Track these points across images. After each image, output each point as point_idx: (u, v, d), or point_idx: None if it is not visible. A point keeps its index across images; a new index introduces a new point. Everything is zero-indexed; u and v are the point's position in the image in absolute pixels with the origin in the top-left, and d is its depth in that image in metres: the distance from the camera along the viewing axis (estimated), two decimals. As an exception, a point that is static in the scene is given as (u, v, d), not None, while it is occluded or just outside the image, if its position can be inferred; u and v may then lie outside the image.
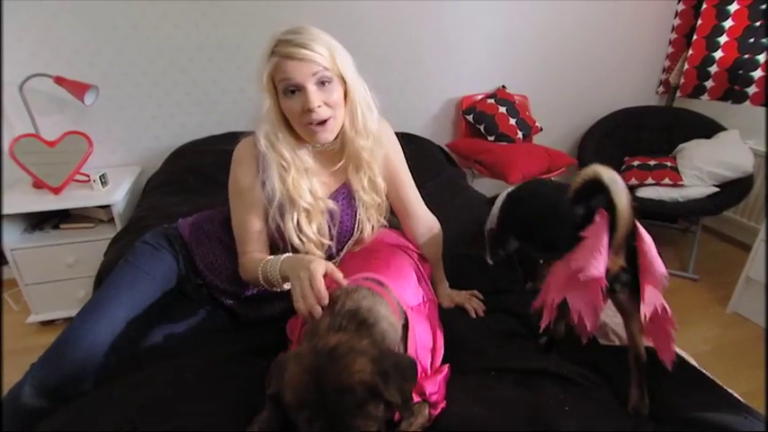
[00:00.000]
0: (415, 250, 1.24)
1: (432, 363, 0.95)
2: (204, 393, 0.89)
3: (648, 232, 0.89)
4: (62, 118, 2.12)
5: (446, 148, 2.59)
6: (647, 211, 2.42)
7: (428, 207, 1.73)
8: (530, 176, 2.28)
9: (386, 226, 1.29)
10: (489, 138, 2.53)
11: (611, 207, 0.83)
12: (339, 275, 0.89)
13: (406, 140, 2.33)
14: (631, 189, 2.46)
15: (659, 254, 0.87)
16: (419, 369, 0.91)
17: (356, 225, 1.18)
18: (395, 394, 0.71)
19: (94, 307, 1.04)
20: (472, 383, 0.92)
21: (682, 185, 2.35)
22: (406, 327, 0.92)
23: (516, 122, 2.53)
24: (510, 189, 1.32)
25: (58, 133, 2.00)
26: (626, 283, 0.88)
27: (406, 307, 0.95)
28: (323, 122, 1.00)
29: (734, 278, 2.09)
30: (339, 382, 0.69)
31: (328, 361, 0.71)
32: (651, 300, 0.83)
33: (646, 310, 0.83)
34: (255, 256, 1.04)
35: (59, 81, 1.94)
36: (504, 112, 2.53)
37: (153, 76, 2.18)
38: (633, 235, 0.86)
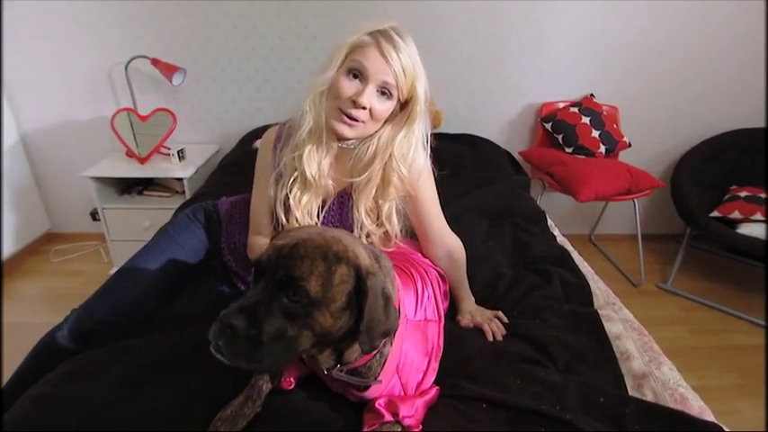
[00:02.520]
0: (433, 266, 1.17)
1: (419, 383, 0.89)
2: (193, 367, 0.92)
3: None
4: (156, 96, 2.35)
5: (518, 156, 2.44)
6: (748, 252, 2.07)
7: (472, 214, 1.68)
8: (604, 196, 2.07)
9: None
10: (567, 149, 2.34)
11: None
12: None
13: (469, 143, 2.29)
14: (732, 223, 2.12)
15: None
16: (397, 387, 0.86)
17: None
18: (373, 301, 0.68)
19: (126, 269, 1.13)
20: (457, 413, 0.84)
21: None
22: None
23: (600, 135, 2.30)
24: None
25: (151, 109, 2.23)
26: None
27: (403, 314, 0.90)
28: (355, 119, 0.98)
29: None
30: (324, 246, 0.69)
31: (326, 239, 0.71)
32: None
33: None
34: (261, 241, 1.06)
35: (155, 62, 2.14)
36: (588, 122, 2.31)
37: (237, 62, 2.33)
38: None
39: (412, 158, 1.04)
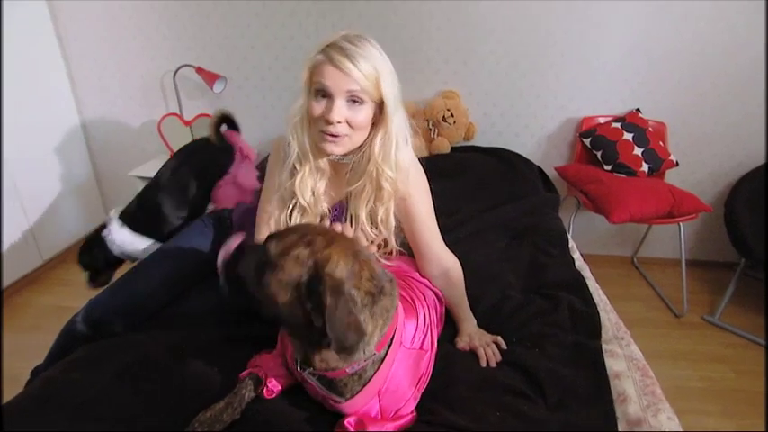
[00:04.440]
0: (431, 287, 1.15)
1: (398, 409, 0.88)
2: (185, 365, 0.97)
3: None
4: (201, 102, 2.49)
5: (553, 172, 2.35)
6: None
7: (493, 230, 1.63)
8: (640, 218, 1.94)
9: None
10: (605, 167, 2.21)
11: None
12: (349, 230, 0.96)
13: (500, 157, 2.23)
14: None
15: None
16: (374, 409, 0.86)
17: None
18: (332, 303, 0.71)
19: (141, 265, 1.22)
20: (426, 438, 0.83)
21: None
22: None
23: (643, 153, 2.16)
24: None
25: (195, 114, 2.37)
26: None
27: (397, 341, 0.89)
28: (336, 135, 0.98)
29: None
30: (311, 231, 0.77)
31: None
32: None
33: None
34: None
35: (199, 71, 2.28)
36: (630, 139, 2.18)
37: (276, 71, 2.42)
38: None
39: (396, 157, 1.03)
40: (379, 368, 0.84)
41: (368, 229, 1.08)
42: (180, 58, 2.38)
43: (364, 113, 0.97)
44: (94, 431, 0.83)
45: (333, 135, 0.98)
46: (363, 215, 1.07)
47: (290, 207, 1.08)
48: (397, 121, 1.01)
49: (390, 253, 1.16)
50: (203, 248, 1.29)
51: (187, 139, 2.35)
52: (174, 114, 2.36)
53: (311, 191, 1.06)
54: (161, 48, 2.40)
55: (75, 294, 2.18)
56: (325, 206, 1.10)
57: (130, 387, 0.93)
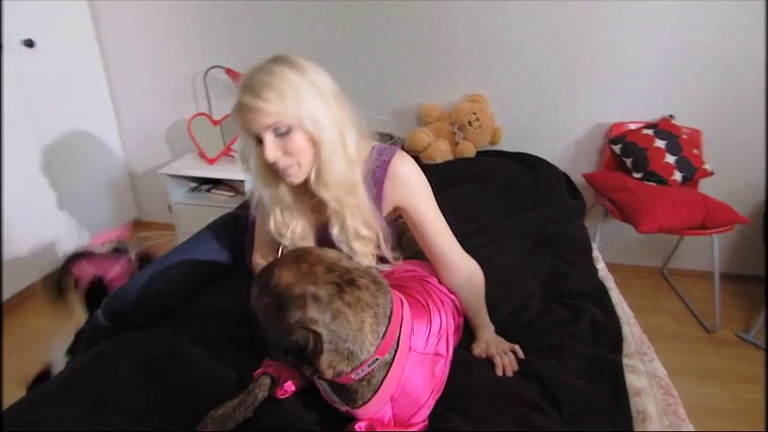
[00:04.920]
0: (449, 296, 1.13)
1: (411, 415, 0.87)
2: (199, 362, 0.99)
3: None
4: (230, 102, 2.51)
5: (580, 179, 2.29)
6: None
7: (515, 237, 1.61)
8: (670, 229, 1.87)
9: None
10: (635, 174, 2.15)
11: None
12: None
13: (525, 162, 2.19)
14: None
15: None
16: (387, 416, 0.85)
17: None
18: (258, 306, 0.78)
19: (160, 262, 1.25)
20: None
21: None
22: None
23: (676, 161, 2.09)
24: None
25: (223, 114, 2.42)
26: None
27: (404, 344, 0.88)
28: (284, 169, 0.96)
29: None
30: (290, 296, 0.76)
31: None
32: None
33: None
34: (259, 261, 1.14)
35: (228, 72, 2.33)
36: (663, 146, 2.10)
37: (303, 73, 2.45)
38: None
39: (332, 173, 0.98)
40: (387, 373, 0.83)
41: (356, 244, 1.07)
42: (210, 59, 2.44)
43: (296, 139, 0.92)
44: (112, 421, 0.86)
45: (282, 170, 0.96)
46: (346, 231, 1.05)
47: (280, 250, 1.12)
48: (328, 138, 0.94)
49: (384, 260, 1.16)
50: (220, 246, 1.33)
51: (216, 138, 2.41)
52: (204, 114, 2.42)
53: (290, 233, 1.07)
54: (193, 49, 2.47)
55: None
56: (310, 241, 1.11)
57: (148, 381, 0.95)
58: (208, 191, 2.51)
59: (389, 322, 0.81)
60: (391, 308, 0.83)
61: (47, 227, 2.28)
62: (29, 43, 2.09)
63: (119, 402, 0.90)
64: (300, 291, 0.75)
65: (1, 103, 1.95)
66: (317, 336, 0.74)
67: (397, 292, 0.89)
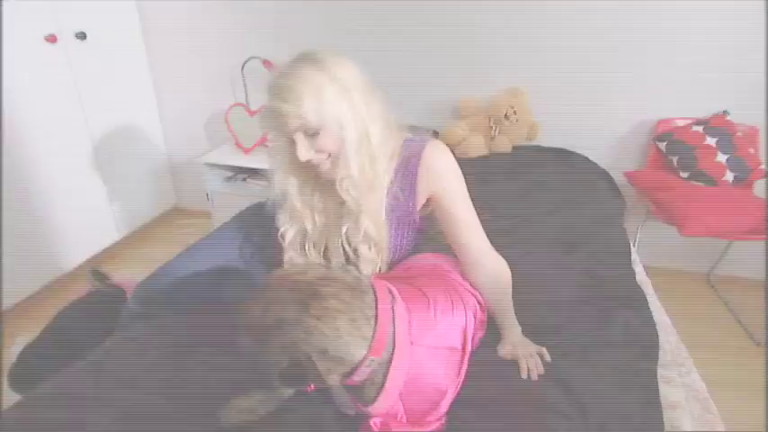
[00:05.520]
0: (472, 292, 1.10)
1: (427, 412, 0.86)
2: (221, 353, 1.01)
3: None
4: (267, 94, 2.58)
5: (622, 177, 2.19)
6: None
7: (550, 236, 1.55)
8: (718, 233, 1.77)
9: None
10: (682, 174, 2.03)
11: None
12: None
13: (564, 158, 2.11)
14: None
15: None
16: (400, 412, 0.85)
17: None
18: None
19: (184, 252, 1.29)
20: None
21: None
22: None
23: (728, 160, 1.96)
24: None
25: (260, 105, 2.46)
26: None
27: (403, 340, 0.85)
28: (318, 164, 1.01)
29: None
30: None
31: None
32: None
33: None
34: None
35: (266, 64, 2.36)
36: (713, 144, 1.98)
37: (338, 65, 2.45)
38: None
39: (360, 170, 1.00)
40: (388, 371, 0.82)
41: (363, 248, 1.09)
42: (249, 50, 2.48)
43: (326, 139, 0.95)
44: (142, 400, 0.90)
45: (316, 165, 1.01)
46: (357, 230, 1.07)
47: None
48: (353, 138, 0.96)
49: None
50: (247, 235, 1.34)
51: (253, 129, 2.45)
52: (241, 105, 2.47)
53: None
54: (234, 42, 2.51)
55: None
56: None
57: (172, 368, 0.99)
58: (243, 180, 2.57)
59: (376, 322, 0.79)
60: (374, 307, 0.80)
61: (95, 213, 2.39)
62: (81, 36, 2.18)
63: (146, 385, 0.93)
64: (270, 320, 0.74)
65: (1, 102, 1.91)
66: (303, 355, 0.73)
67: (386, 288, 0.87)
